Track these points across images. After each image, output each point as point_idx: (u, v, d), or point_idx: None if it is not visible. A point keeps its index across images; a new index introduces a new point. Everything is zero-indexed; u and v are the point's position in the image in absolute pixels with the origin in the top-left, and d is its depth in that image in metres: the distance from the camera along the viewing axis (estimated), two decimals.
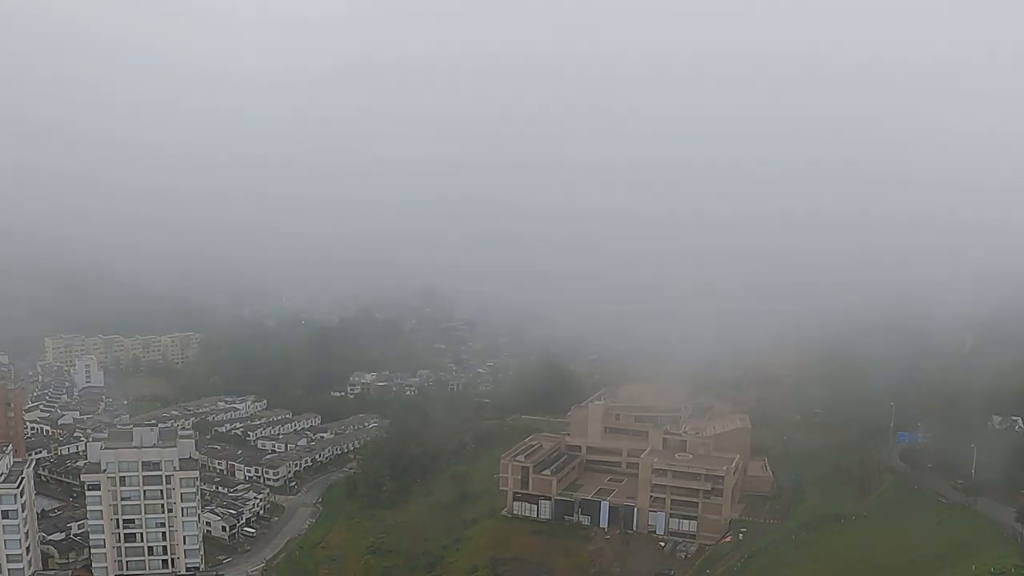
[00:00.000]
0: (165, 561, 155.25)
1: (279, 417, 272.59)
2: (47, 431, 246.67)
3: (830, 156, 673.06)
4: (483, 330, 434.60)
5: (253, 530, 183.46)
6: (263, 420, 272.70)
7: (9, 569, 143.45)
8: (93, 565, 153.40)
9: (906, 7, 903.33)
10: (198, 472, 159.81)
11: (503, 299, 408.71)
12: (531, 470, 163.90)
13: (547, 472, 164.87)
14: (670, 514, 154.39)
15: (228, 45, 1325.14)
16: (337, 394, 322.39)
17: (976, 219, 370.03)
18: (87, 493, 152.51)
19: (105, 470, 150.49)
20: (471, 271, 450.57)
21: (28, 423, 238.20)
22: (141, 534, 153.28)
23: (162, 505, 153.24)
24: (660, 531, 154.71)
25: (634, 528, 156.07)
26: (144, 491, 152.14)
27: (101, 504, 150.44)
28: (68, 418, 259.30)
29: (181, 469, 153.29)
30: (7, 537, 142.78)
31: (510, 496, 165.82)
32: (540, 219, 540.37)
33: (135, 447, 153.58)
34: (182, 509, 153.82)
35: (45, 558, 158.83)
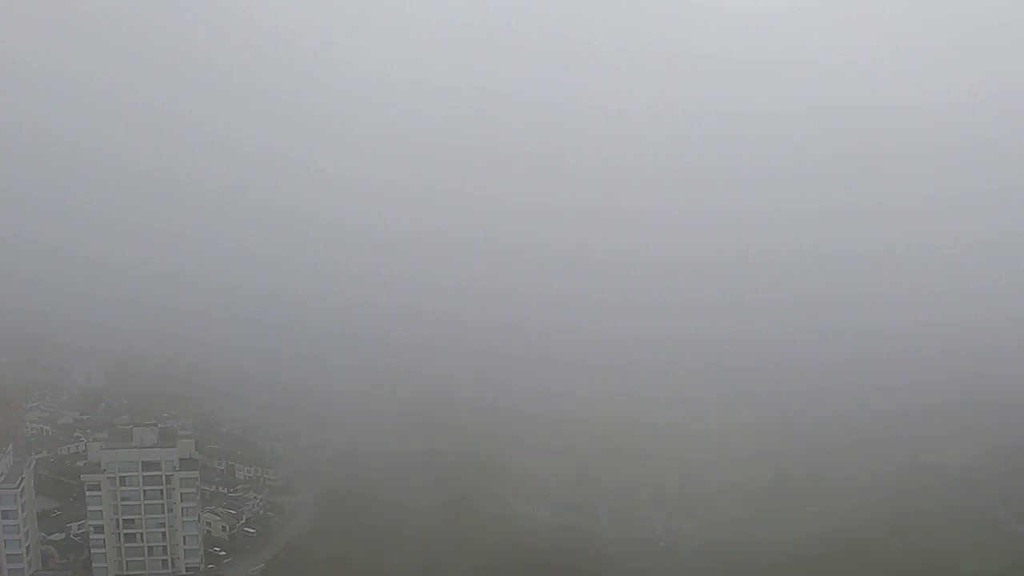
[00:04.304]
0: (165, 561, 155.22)
1: (279, 417, 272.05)
2: (47, 431, 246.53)
3: None
4: None
5: (253, 530, 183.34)
6: (263, 420, 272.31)
7: (9, 569, 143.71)
8: (93, 565, 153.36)
9: None
10: (198, 472, 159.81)
11: None
12: (530, 470, 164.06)
13: (547, 472, 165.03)
14: (670, 514, 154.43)
15: None
16: None
17: None
18: (87, 493, 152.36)
19: (105, 470, 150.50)
20: None
21: (28, 423, 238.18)
22: (141, 534, 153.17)
23: (162, 505, 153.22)
24: (660, 531, 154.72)
25: (634, 528, 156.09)
26: (144, 491, 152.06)
27: (101, 504, 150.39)
28: (68, 418, 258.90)
29: (181, 469, 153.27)
30: (7, 537, 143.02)
31: (510, 496, 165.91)
32: None
33: (135, 447, 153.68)
34: (182, 509, 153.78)
35: (45, 558, 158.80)
